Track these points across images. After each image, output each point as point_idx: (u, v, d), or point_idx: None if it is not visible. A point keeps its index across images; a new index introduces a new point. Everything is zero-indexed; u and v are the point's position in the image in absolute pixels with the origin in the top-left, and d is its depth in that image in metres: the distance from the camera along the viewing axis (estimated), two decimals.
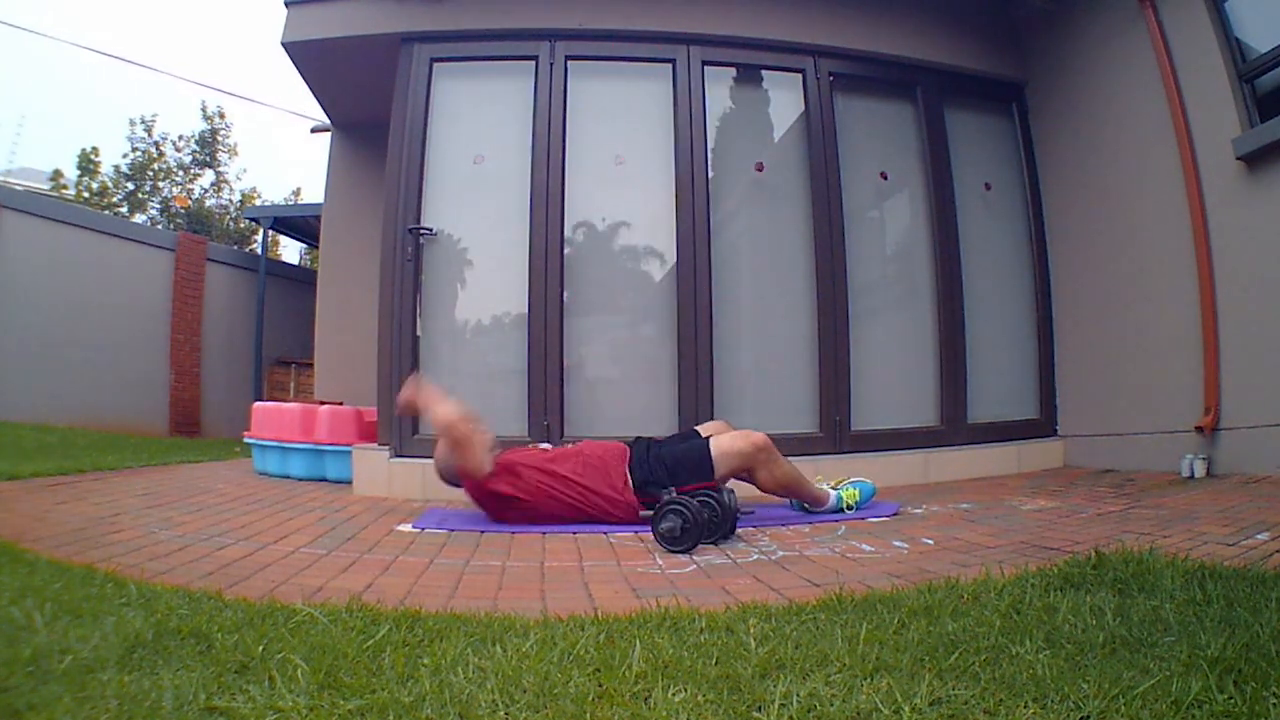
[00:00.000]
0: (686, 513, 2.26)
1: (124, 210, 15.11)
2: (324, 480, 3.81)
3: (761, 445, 2.72)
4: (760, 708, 1.03)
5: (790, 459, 2.84)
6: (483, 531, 2.59)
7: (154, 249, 8.39)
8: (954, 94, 4.12)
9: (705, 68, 3.80)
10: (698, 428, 3.02)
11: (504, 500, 2.72)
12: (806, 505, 2.87)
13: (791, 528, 2.66)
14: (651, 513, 2.34)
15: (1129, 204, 3.64)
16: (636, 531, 2.55)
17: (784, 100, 3.96)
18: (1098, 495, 2.96)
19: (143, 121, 15.58)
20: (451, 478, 2.85)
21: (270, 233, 9.59)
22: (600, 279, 3.76)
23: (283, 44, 4.10)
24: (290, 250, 15.70)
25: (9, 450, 4.55)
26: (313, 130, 6.31)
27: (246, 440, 4.28)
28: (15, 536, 2.16)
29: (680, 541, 2.25)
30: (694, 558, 2.19)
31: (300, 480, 3.83)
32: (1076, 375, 3.97)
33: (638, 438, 2.91)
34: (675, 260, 3.66)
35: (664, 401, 3.58)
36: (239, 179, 20.77)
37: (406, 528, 2.63)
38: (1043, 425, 4.02)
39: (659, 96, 3.78)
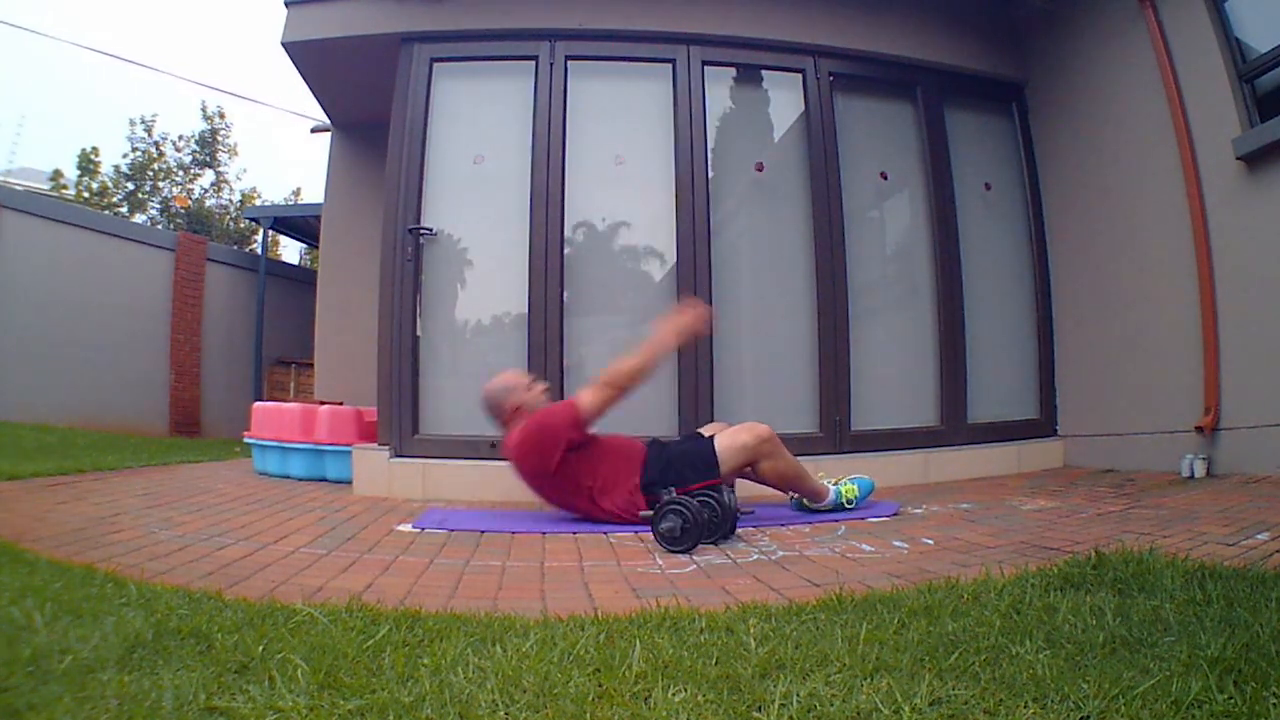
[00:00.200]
0: (686, 513, 2.26)
1: (124, 210, 15.11)
2: (324, 480, 3.81)
3: (765, 436, 2.73)
4: (760, 708, 1.03)
5: None
6: (483, 531, 2.59)
7: (154, 249, 8.39)
8: (954, 94, 4.12)
9: (705, 68, 3.80)
10: (700, 430, 3.02)
11: (546, 474, 2.71)
12: (806, 501, 2.87)
13: (791, 528, 2.66)
14: (651, 513, 2.34)
15: (1129, 204, 3.64)
16: (636, 531, 2.55)
17: (784, 100, 3.96)
18: (1098, 495, 2.96)
19: (143, 121, 15.60)
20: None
21: (270, 233, 9.59)
22: (600, 279, 3.76)
23: (283, 44, 4.10)
24: (290, 250, 15.72)
25: (9, 450, 4.55)
26: (313, 130, 6.32)
27: (246, 440, 4.28)
28: (15, 536, 2.16)
29: (680, 541, 2.25)
30: (694, 558, 2.19)
31: (300, 480, 3.83)
32: (1076, 375, 3.98)
33: (652, 440, 2.92)
34: (675, 260, 3.66)
35: (664, 401, 3.58)
36: (239, 179, 20.81)
37: (406, 528, 2.63)
38: (1043, 425, 4.02)
39: (659, 96, 3.78)
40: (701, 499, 2.37)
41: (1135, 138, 3.58)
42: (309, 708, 1.02)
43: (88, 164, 15.61)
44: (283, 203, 15.89)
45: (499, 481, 3.40)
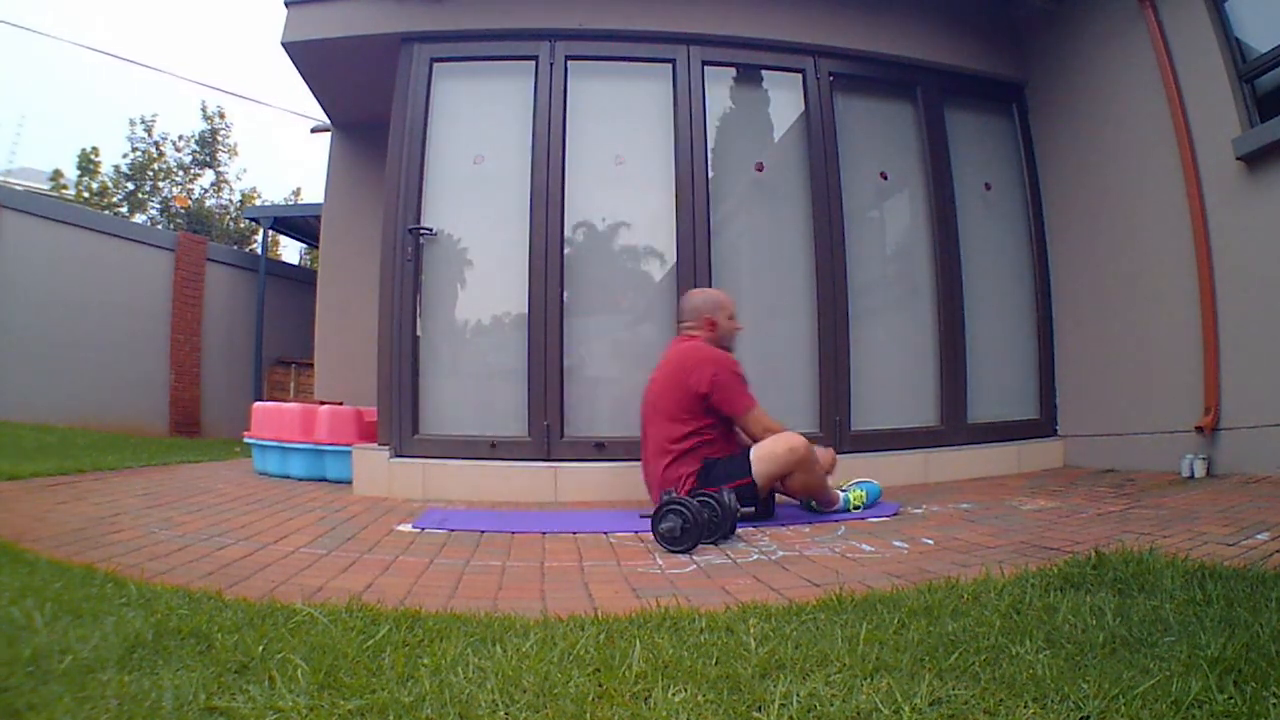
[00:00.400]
0: (686, 513, 2.26)
1: (124, 210, 15.10)
2: (324, 480, 3.80)
3: (800, 451, 2.73)
4: (760, 708, 1.03)
5: None
6: (483, 531, 2.60)
7: (154, 249, 8.39)
8: (954, 94, 4.12)
9: (705, 68, 3.80)
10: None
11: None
12: (814, 504, 2.88)
13: (791, 528, 2.66)
14: (651, 513, 2.35)
15: (1129, 204, 3.64)
16: (636, 531, 2.55)
17: (784, 100, 3.96)
18: (1098, 495, 2.96)
19: (143, 121, 15.58)
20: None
21: (270, 233, 9.59)
22: (600, 279, 3.76)
23: (283, 44, 4.09)
24: (290, 250, 15.71)
25: (9, 450, 4.55)
26: (313, 130, 6.32)
27: (246, 440, 4.28)
28: (15, 536, 2.16)
29: (680, 541, 2.25)
30: (694, 558, 2.19)
31: (300, 480, 3.83)
32: (1076, 375, 3.97)
33: None
34: (675, 260, 3.66)
35: None
36: (239, 179, 20.77)
37: (406, 528, 2.63)
38: (1043, 425, 4.02)
39: (659, 96, 3.78)
40: (701, 499, 2.37)
41: (1135, 138, 3.58)
42: (309, 708, 1.02)
43: (88, 164, 15.61)
44: (283, 203, 15.88)
45: (499, 481, 3.40)
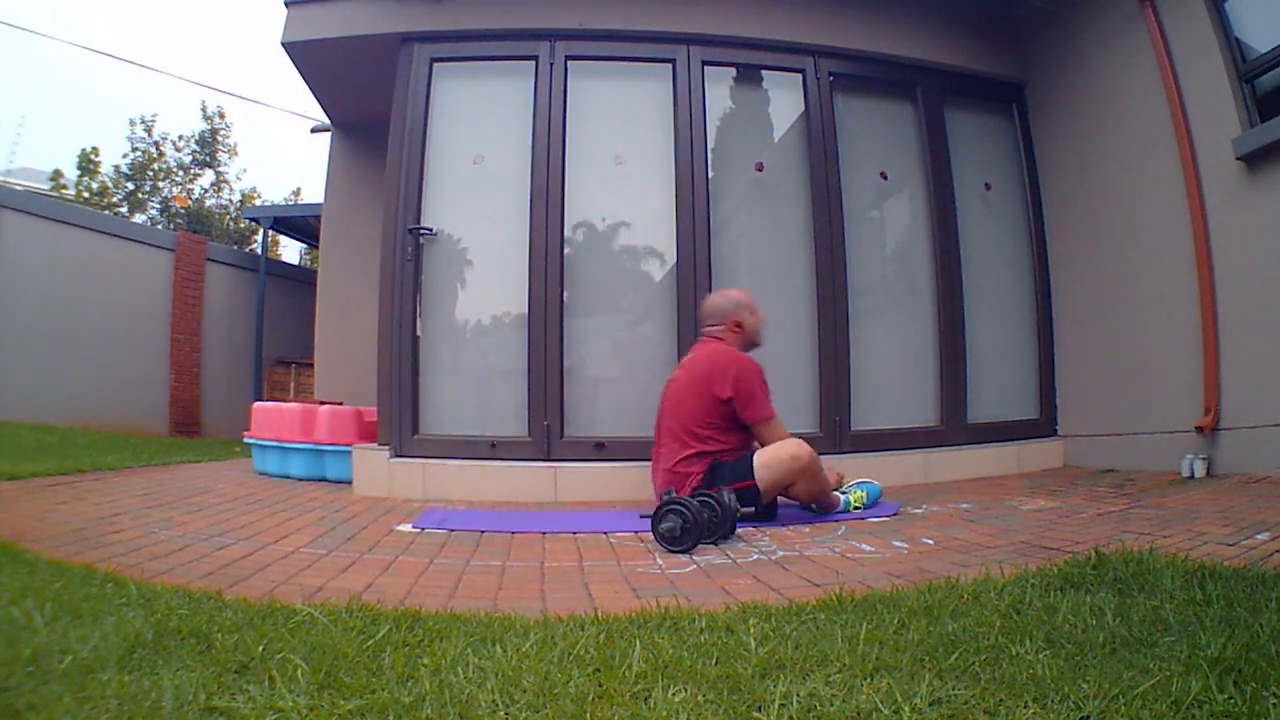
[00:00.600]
0: (686, 513, 2.26)
1: (124, 210, 15.10)
2: (324, 480, 3.80)
3: (803, 459, 2.73)
4: (760, 708, 1.03)
5: None
6: (483, 531, 2.60)
7: (154, 249, 8.39)
8: (954, 94, 4.12)
9: (705, 68, 3.80)
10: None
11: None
12: (815, 507, 2.88)
13: (791, 528, 2.66)
14: (651, 513, 2.35)
15: (1129, 204, 3.64)
16: (636, 531, 2.55)
17: (784, 100, 3.96)
18: (1098, 495, 2.96)
19: (143, 121, 15.58)
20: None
21: (270, 233, 9.59)
22: (600, 279, 3.76)
23: (283, 44, 4.09)
24: (290, 250, 15.71)
25: (9, 450, 4.55)
26: (313, 130, 6.31)
27: (246, 440, 4.28)
28: (15, 536, 2.16)
29: (680, 541, 2.25)
30: (694, 558, 2.19)
31: (300, 480, 3.83)
32: (1076, 375, 3.97)
33: None
34: (675, 260, 3.66)
35: None
36: (239, 179, 20.78)
37: (406, 528, 2.63)
38: (1043, 425, 4.02)
39: (659, 96, 3.78)
40: (701, 499, 2.37)
41: (1135, 138, 3.58)
42: (309, 708, 1.02)
43: (88, 164, 15.61)
44: (283, 203, 15.88)
45: (499, 482, 3.40)
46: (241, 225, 15.33)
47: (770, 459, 2.73)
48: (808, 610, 1.48)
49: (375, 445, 3.55)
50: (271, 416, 4.16)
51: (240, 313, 9.00)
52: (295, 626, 1.36)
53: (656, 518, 2.29)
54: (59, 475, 3.65)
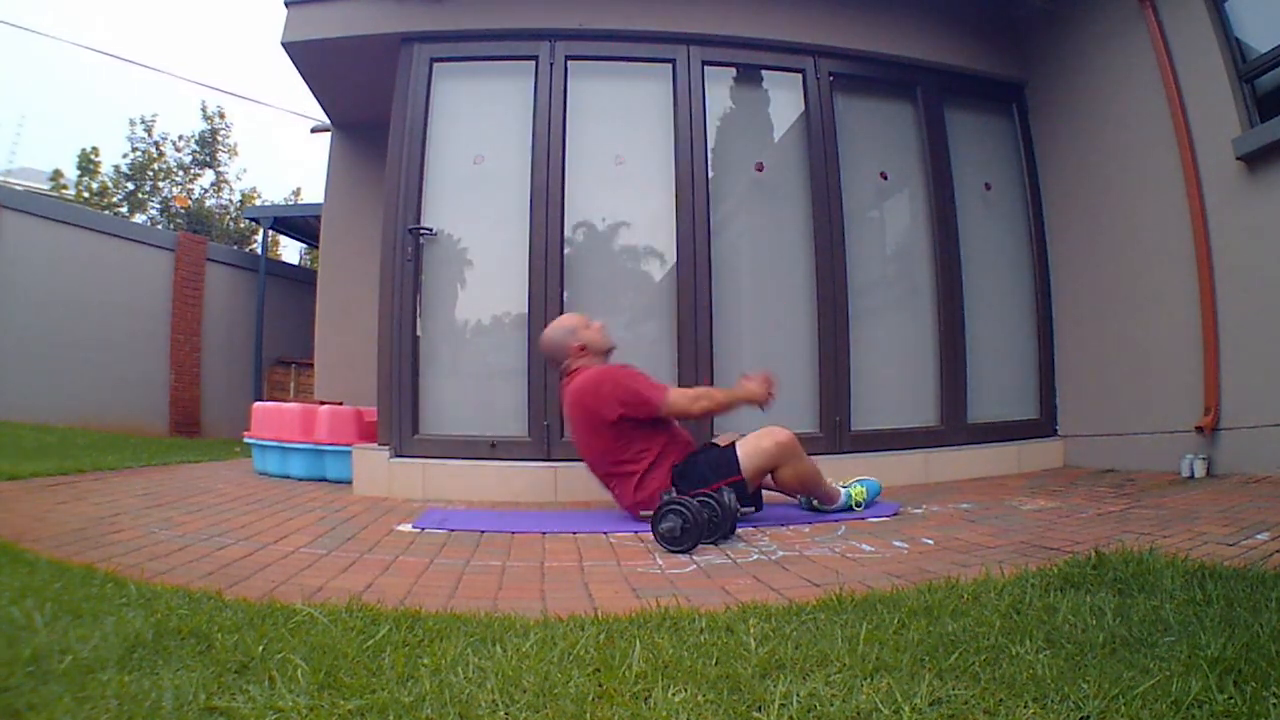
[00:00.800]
0: (686, 513, 2.26)
1: (124, 210, 15.10)
2: (324, 480, 3.80)
3: (785, 442, 2.73)
4: (760, 708, 1.03)
5: None
6: (483, 531, 2.59)
7: (154, 249, 8.39)
8: (954, 94, 4.12)
9: (705, 68, 3.80)
10: (714, 440, 3.02)
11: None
12: (816, 503, 2.87)
13: (791, 528, 2.66)
14: (651, 513, 2.35)
15: (1129, 204, 3.64)
16: (636, 531, 2.55)
17: (784, 100, 3.96)
18: (1098, 495, 2.96)
19: (143, 121, 15.58)
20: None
21: (270, 233, 9.59)
22: (600, 279, 3.76)
23: (283, 44, 4.10)
24: (290, 250, 15.72)
25: (9, 450, 4.55)
26: (313, 130, 6.31)
27: (246, 440, 4.28)
28: (15, 536, 2.16)
29: (680, 541, 2.25)
30: (694, 558, 2.19)
31: (300, 480, 3.83)
32: (1076, 375, 3.97)
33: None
34: (675, 260, 3.66)
35: None
36: (239, 179, 20.78)
37: (406, 528, 2.63)
38: (1043, 425, 4.02)
39: (659, 96, 3.78)
40: (701, 499, 2.37)
41: (1135, 138, 3.58)
42: (309, 708, 1.02)
43: (88, 164, 15.61)
44: (283, 203, 15.88)
45: (499, 482, 3.40)
46: (241, 225, 15.33)
47: (754, 449, 2.72)
48: (808, 610, 1.48)
49: (375, 445, 3.55)
50: (271, 416, 4.16)
51: (240, 313, 9.00)
52: (295, 626, 1.36)
53: (656, 518, 2.29)
54: (59, 475, 3.65)
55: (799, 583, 1.84)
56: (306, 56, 4.27)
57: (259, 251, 10.17)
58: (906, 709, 1.00)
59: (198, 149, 15.87)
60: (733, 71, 3.94)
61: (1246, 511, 2.32)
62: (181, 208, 15.38)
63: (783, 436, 2.73)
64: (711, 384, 3.57)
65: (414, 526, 2.64)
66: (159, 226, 14.33)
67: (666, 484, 2.71)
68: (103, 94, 41.62)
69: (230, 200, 16.32)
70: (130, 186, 15.42)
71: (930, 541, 2.28)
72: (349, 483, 3.55)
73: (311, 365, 6.01)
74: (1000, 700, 1.03)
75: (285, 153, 40.91)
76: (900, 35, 3.99)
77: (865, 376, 3.76)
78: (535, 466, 3.43)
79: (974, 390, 3.91)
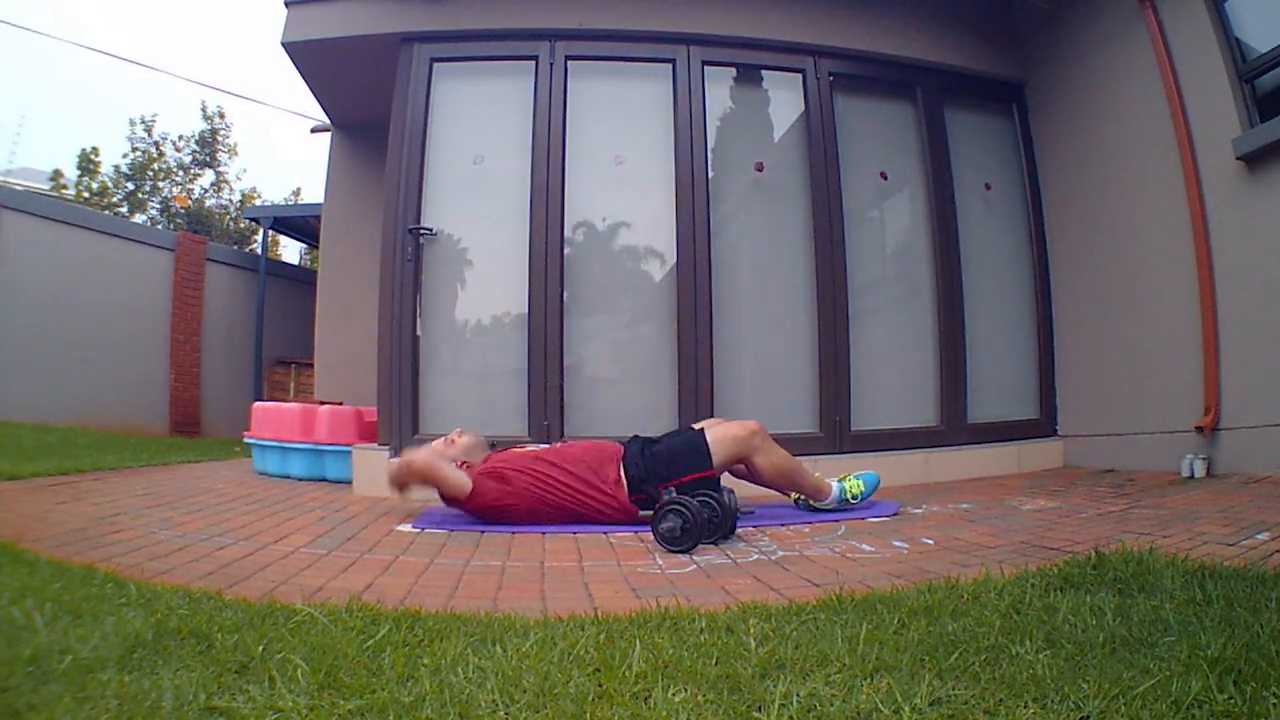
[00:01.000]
0: (686, 513, 2.26)
1: (124, 210, 15.12)
2: (324, 480, 3.80)
3: (755, 430, 2.73)
4: (760, 708, 1.03)
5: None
6: (483, 531, 2.59)
7: (154, 249, 8.40)
8: (954, 94, 4.12)
9: (705, 68, 3.80)
10: (694, 425, 3.01)
11: (498, 509, 2.69)
12: (811, 501, 2.87)
13: (791, 528, 2.66)
14: (652, 513, 2.34)
15: (1129, 204, 3.64)
16: (636, 531, 2.55)
17: (784, 100, 3.96)
18: (1098, 495, 2.96)
19: (143, 121, 15.61)
20: (449, 503, 2.80)
21: (270, 233, 9.59)
22: (600, 279, 3.76)
23: (283, 44, 4.09)
24: (290, 250, 15.73)
25: (9, 450, 4.55)
26: (313, 130, 6.31)
27: (246, 440, 4.28)
28: (15, 536, 2.15)
29: (680, 541, 2.25)
30: (694, 558, 2.19)
31: (300, 480, 3.83)
32: (1076, 375, 3.98)
33: (634, 436, 2.90)
34: (675, 260, 3.66)
35: (664, 401, 3.58)
36: (239, 179, 20.82)
37: (406, 528, 2.63)
38: (1043, 425, 4.02)
39: (659, 96, 3.78)
40: (701, 499, 2.36)
41: (1135, 138, 3.58)
42: (309, 708, 1.02)
43: (88, 164, 15.62)
44: (283, 203, 15.89)
45: None
46: (241, 225, 15.34)
47: (730, 435, 2.70)
48: (808, 610, 1.48)
49: (375, 445, 3.55)
50: (271, 416, 4.16)
51: (240, 313, 9.01)
52: (295, 626, 1.36)
53: (656, 518, 2.29)
54: (59, 475, 3.65)
55: (799, 583, 1.84)
56: (306, 56, 4.27)
57: (259, 251, 10.18)
58: (906, 709, 1.00)
59: (198, 149, 15.89)
60: (733, 71, 3.94)
61: (1246, 511, 2.32)
62: (181, 208, 15.39)
63: (750, 424, 2.75)
64: (711, 386, 3.58)
65: (414, 526, 2.64)
66: (159, 226, 14.34)
67: (615, 481, 2.67)
68: (103, 94, 41.67)
69: (230, 200, 16.35)
70: (130, 186, 15.43)
71: (930, 541, 2.28)
72: (349, 483, 3.55)
73: (311, 365, 6.01)
74: (1000, 700, 1.03)
75: (285, 153, 40.96)
76: (900, 35, 3.99)
77: (865, 376, 3.76)
78: None
79: (974, 390, 3.91)
